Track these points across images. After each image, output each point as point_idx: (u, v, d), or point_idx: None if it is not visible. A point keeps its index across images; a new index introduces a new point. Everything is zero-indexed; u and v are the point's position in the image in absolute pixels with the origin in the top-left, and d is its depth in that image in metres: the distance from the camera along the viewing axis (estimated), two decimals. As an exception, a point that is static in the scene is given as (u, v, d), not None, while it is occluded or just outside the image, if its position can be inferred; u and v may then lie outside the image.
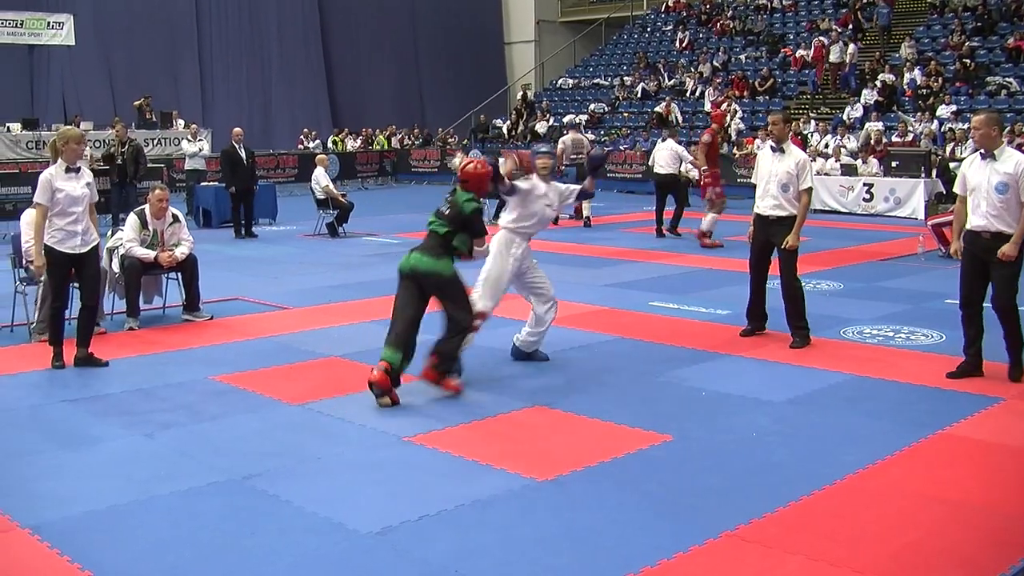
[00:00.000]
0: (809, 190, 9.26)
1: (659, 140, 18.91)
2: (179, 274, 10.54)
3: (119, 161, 18.28)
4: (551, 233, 16.37)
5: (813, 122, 26.36)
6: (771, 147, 9.43)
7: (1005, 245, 7.64)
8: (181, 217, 10.75)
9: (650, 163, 18.97)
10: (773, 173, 9.27)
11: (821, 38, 29.97)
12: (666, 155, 17.69)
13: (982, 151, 7.88)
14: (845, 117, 26.41)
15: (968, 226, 7.91)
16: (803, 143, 24.28)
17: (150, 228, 10.28)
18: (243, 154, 18.12)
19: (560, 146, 20.39)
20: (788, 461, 6.15)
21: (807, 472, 5.92)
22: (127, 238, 10.21)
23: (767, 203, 9.31)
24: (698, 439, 6.59)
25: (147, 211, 10.35)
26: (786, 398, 7.52)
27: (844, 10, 32.02)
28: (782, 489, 5.63)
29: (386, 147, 33.46)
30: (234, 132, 18.66)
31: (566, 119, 29.64)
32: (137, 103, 29.16)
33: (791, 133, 9.85)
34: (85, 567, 4.70)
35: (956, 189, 8.16)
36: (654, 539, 4.97)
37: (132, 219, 10.36)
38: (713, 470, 6.00)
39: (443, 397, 7.56)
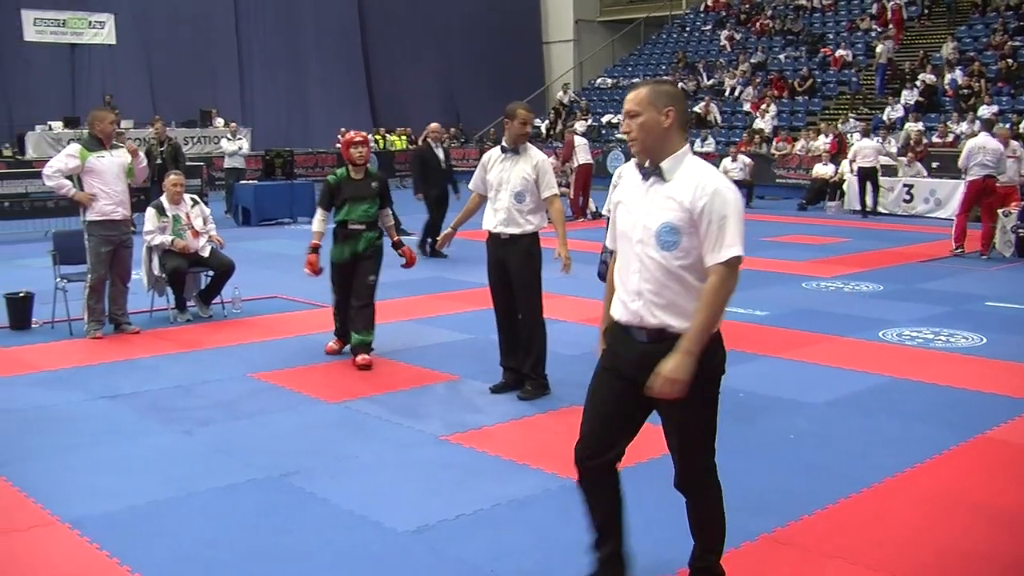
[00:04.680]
0: (557, 196, 7.59)
1: (862, 138, 22.36)
2: (211, 274, 10.71)
3: (158, 160, 18.32)
4: (591, 232, 16.38)
5: (853, 122, 26.22)
6: (502, 148, 7.59)
7: (666, 362, 3.94)
8: (199, 199, 11.02)
9: (850, 157, 22.08)
10: (504, 181, 7.49)
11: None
12: (868, 151, 21.10)
13: (642, 162, 4.01)
14: (885, 118, 26.22)
15: (611, 313, 4.19)
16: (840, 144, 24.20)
17: (169, 215, 10.45)
18: (440, 154, 15.64)
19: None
20: (826, 463, 6.11)
21: (845, 475, 5.88)
22: (146, 230, 10.43)
23: (498, 218, 7.51)
24: (735, 441, 6.54)
25: (164, 200, 10.54)
26: (824, 400, 7.47)
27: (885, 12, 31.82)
28: (820, 492, 5.59)
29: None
30: (430, 128, 16.04)
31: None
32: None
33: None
34: (124, 562, 4.73)
35: (607, 241, 4.33)
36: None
37: (149, 211, 10.55)
38: (750, 472, 5.97)
39: (478, 396, 7.60)
